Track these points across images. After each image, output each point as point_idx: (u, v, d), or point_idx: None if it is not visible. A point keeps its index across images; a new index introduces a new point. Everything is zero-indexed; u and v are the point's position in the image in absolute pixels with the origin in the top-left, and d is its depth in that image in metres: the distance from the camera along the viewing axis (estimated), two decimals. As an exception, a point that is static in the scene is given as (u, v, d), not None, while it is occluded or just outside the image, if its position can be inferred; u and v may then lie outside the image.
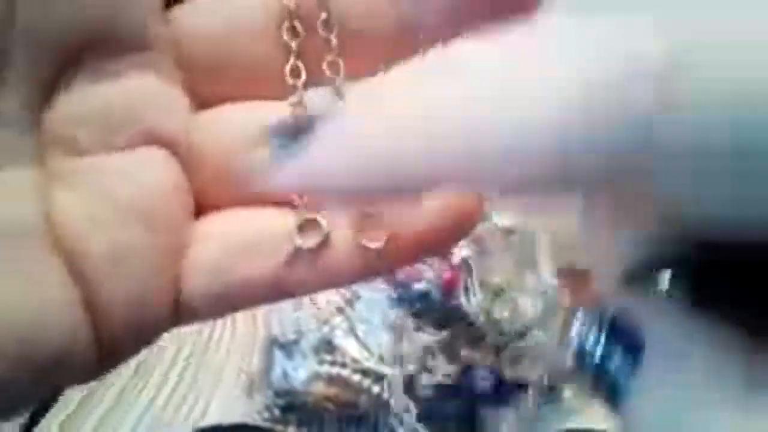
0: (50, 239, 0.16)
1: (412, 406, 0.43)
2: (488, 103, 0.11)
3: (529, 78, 0.11)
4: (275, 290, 0.18)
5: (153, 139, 0.17)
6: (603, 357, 0.12)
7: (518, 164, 0.11)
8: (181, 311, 0.18)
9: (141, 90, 0.17)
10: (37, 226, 0.16)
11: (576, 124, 0.11)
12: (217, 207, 0.18)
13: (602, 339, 0.12)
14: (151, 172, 0.17)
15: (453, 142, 0.11)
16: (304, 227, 0.18)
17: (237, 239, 0.18)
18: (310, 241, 0.18)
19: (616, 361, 0.11)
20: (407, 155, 0.12)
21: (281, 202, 0.18)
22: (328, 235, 0.18)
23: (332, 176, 0.13)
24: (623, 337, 0.12)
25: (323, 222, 0.18)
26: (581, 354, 0.12)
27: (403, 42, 0.18)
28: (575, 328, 0.12)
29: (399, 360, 0.43)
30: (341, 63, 0.18)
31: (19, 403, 0.16)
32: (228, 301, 0.18)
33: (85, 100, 0.17)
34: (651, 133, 0.10)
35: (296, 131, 0.14)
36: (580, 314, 0.12)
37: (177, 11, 0.18)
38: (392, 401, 0.42)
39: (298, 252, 0.18)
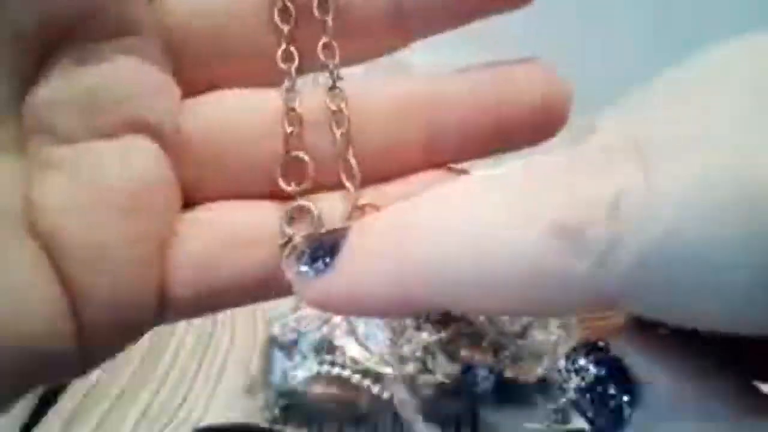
0: (28, 225, 0.16)
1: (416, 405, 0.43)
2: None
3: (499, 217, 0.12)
4: (266, 285, 0.17)
5: (138, 126, 0.17)
6: (602, 395, 0.12)
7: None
8: (167, 305, 0.17)
9: (125, 75, 0.17)
10: (14, 212, 0.16)
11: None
12: (205, 198, 0.18)
13: (603, 377, 0.12)
14: (136, 161, 0.17)
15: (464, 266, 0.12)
16: (294, 216, 0.17)
17: (225, 231, 0.17)
18: (302, 230, 0.17)
19: (614, 402, 0.12)
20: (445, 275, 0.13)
21: (274, 192, 0.18)
22: (321, 223, 0.17)
23: (366, 293, 0.13)
24: (623, 377, 0.12)
25: (315, 210, 0.17)
26: (581, 390, 0.12)
27: (400, 25, 0.18)
28: (579, 362, 0.12)
29: (399, 360, 0.43)
30: (336, 46, 0.18)
31: (3, 393, 0.16)
32: (216, 295, 0.17)
33: (67, 85, 0.16)
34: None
35: (324, 249, 0.14)
36: (584, 350, 0.12)
37: None
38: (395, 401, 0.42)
39: (288, 243, 0.17)
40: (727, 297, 0.10)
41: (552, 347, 0.43)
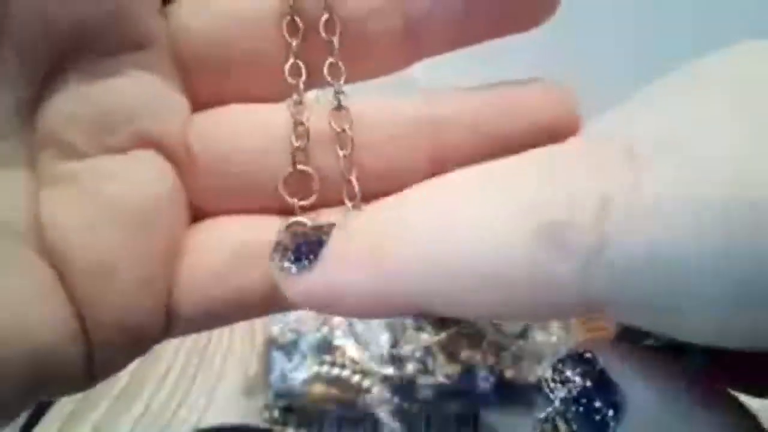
0: (36, 241, 0.16)
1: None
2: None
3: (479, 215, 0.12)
4: (272, 299, 0.17)
5: (147, 141, 0.17)
6: (587, 407, 0.12)
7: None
8: (174, 320, 0.17)
9: (136, 91, 0.17)
10: (23, 228, 0.16)
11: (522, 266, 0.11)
12: (213, 212, 0.18)
13: (589, 389, 0.12)
14: (146, 176, 0.17)
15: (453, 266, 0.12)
16: (290, 231, 0.17)
17: (232, 246, 0.17)
18: None
19: (599, 415, 0.11)
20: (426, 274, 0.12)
21: (282, 206, 0.18)
22: None
23: (347, 293, 0.13)
24: (609, 390, 0.12)
25: (309, 224, 0.17)
26: (566, 401, 0.12)
27: (406, 47, 0.18)
28: (566, 373, 0.12)
29: (399, 360, 0.43)
30: (342, 66, 0.18)
31: (7, 408, 0.15)
32: (223, 310, 0.17)
33: (77, 100, 0.16)
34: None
35: (308, 246, 0.14)
36: (570, 361, 0.12)
37: (174, 7, 0.18)
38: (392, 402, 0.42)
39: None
40: (707, 308, 0.10)
41: (552, 348, 0.43)
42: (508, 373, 0.43)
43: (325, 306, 0.14)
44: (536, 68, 0.19)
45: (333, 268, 0.14)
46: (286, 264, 0.14)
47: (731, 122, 0.11)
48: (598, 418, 0.11)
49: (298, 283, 0.14)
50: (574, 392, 0.12)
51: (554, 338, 0.44)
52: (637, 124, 0.12)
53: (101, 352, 0.16)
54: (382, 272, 0.13)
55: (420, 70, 0.20)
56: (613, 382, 0.11)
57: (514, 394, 0.44)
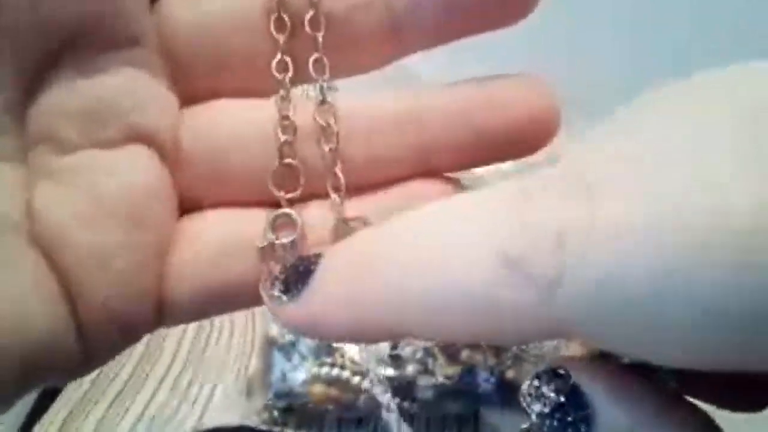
0: (29, 233, 0.16)
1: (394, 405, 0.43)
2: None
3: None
4: (258, 292, 0.17)
5: (138, 136, 0.17)
6: (561, 422, 0.12)
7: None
8: (165, 310, 0.18)
9: (127, 87, 0.17)
10: (16, 220, 0.16)
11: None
12: (202, 205, 0.18)
13: (563, 404, 0.12)
14: (136, 171, 0.17)
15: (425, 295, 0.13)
16: (279, 222, 0.18)
17: (221, 238, 0.18)
18: (285, 237, 0.17)
19: (573, 430, 0.12)
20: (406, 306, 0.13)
21: (271, 199, 0.18)
22: (303, 230, 0.18)
23: (327, 323, 0.15)
24: (581, 406, 0.12)
25: (297, 218, 0.18)
26: (542, 416, 0.12)
27: (395, 38, 0.18)
28: (541, 389, 0.13)
29: (399, 361, 0.43)
30: (327, 62, 0.18)
31: (3, 396, 0.16)
32: (213, 301, 0.18)
33: (69, 95, 0.17)
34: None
35: (296, 276, 0.15)
36: (545, 376, 0.13)
37: (163, 4, 0.18)
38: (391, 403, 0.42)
39: (271, 248, 0.17)
40: (666, 335, 0.10)
41: (553, 348, 0.43)
42: (509, 374, 0.43)
43: (309, 333, 0.15)
44: (536, 63, 0.19)
45: (318, 299, 0.15)
46: (276, 293, 0.16)
47: (720, 145, 0.11)
48: (572, 431, 0.12)
49: (285, 311, 0.15)
50: (549, 407, 0.12)
51: (555, 341, 0.43)
52: (599, 154, 0.12)
53: (94, 340, 0.16)
54: (362, 302, 0.14)
55: (422, 65, 0.20)
56: (584, 398, 0.12)
57: (515, 395, 0.44)
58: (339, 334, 0.15)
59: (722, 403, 0.13)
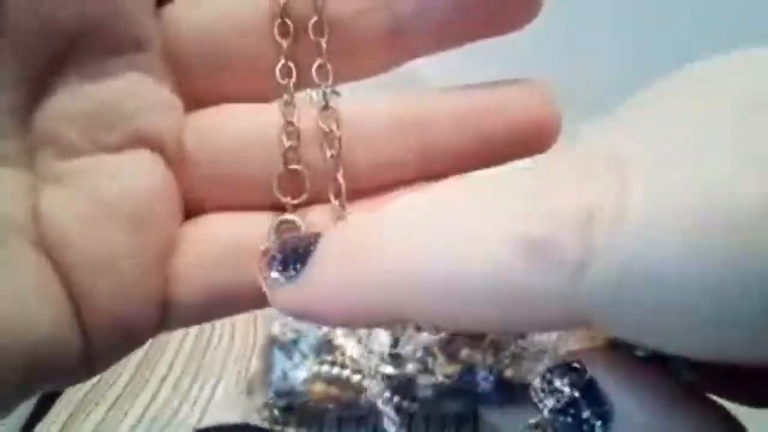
0: (34, 237, 0.16)
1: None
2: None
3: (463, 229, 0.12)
4: (262, 295, 0.17)
5: (142, 141, 0.17)
6: (575, 418, 0.12)
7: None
8: (169, 314, 0.18)
9: (132, 91, 0.17)
10: (21, 223, 0.16)
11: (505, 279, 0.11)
12: (207, 209, 0.19)
13: (578, 400, 0.12)
14: (140, 174, 0.17)
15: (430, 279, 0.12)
16: (280, 228, 0.18)
17: (225, 242, 0.18)
18: None
19: (587, 426, 0.11)
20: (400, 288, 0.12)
21: (275, 204, 0.18)
22: None
23: (330, 303, 0.14)
24: (597, 401, 0.12)
25: (300, 223, 0.18)
26: (555, 411, 0.12)
27: (398, 43, 0.18)
28: (555, 383, 0.12)
29: (399, 360, 0.43)
30: (330, 67, 0.18)
31: (6, 399, 0.16)
32: (216, 305, 0.18)
33: (74, 100, 0.17)
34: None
35: (294, 256, 0.14)
36: (559, 370, 0.12)
37: (168, 9, 0.18)
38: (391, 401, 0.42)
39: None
40: (693, 323, 0.10)
41: (552, 347, 0.43)
42: (508, 373, 0.43)
43: (310, 315, 0.14)
44: (541, 67, 0.19)
45: (318, 280, 0.14)
46: (273, 274, 0.15)
47: (724, 137, 0.10)
48: (586, 428, 0.11)
49: (281, 293, 0.15)
50: (563, 402, 0.12)
51: (554, 338, 0.44)
52: (626, 133, 0.12)
53: (98, 344, 0.16)
54: (366, 284, 0.13)
55: (428, 69, 0.21)
56: (601, 393, 0.11)
57: (514, 393, 0.44)
58: (342, 317, 0.14)
59: (738, 398, 0.13)
